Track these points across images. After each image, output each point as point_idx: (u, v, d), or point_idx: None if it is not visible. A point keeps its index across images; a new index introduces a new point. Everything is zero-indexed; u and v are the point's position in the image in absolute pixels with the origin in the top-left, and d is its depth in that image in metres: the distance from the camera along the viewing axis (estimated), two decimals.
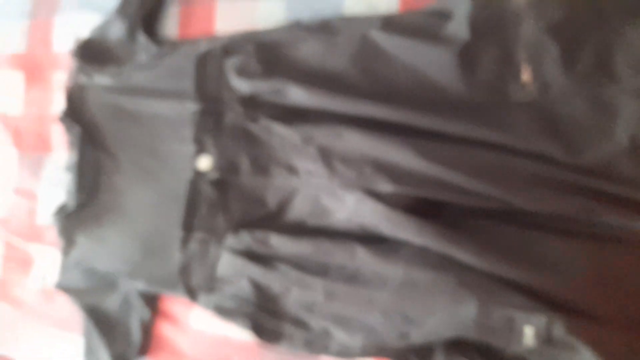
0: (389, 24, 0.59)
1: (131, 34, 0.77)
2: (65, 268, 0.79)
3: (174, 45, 0.74)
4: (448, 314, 0.52)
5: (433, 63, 0.56)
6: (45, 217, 0.84)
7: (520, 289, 0.50)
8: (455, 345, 0.56)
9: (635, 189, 0.52)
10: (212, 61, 0.67)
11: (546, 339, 0.48)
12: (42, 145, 0.88)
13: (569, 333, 0.47)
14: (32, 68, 0.90)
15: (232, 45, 0.67)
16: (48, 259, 0.85)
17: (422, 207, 0.55)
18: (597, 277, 0.52)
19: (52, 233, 0.79)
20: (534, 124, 0.54)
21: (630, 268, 0.53)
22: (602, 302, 0.51)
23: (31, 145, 0.89)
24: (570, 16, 0.53)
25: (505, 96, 0.55)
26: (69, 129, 0.78)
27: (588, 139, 0.53)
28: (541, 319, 0.48)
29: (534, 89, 0.54)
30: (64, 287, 0.78)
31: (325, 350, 0.59)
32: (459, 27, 0.55)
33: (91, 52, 0.80)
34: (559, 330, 0.48)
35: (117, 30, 0.78)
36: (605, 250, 0.53)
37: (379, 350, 0.57)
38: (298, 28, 0.65)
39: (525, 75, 0.55)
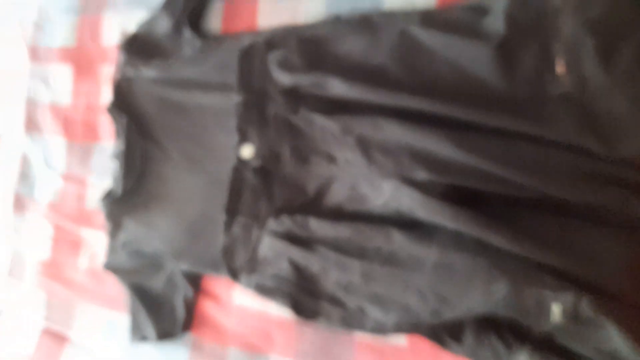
0: (428, 19, 0.62)
1: (177, 29, 0.81)
2: (112, 250, 0.84)
3: (218, 39, 0.78)
4: (481, 294, 0.54)
5: (471, 57, 0.58)
6: (94, 202, 0.89)
7: (550, 271, 0.53)
8: (485, 322, 0.59)
9: None
10: (255, 55, 0.70)
11: (573, 316, 0.51)
12: (91, 135, 0.93)
13: (595, 310, 0.49)
14: (81, 61, 0.95)
15: (274, 40, 0.70)
16: (97, 242, 0.90)
17: (458, 195, 0.58)
18: (629, 264, 0.54)
19: (101, 217, 0.85)
20: (571, 117, 0.56)
21: None
22: (632, 288, 0.53)
23: (80, 134, 0.94)
24: (609, 12, 0.54)
25: (543, 90, 0.57)
26: (116, 119, 0.83)
27: (624, 133, 0.54)
28: (568, 297, 0.51)
29: (569, 81, 0.56)
30: (111, 267, 0.83)
31: (360, 326, 0.63)
32: (496, 22, 0.57)
33: (138, 46, 0.85)
34: (585, 307, 0.50)
35: (163, 25, 0.82)
36: (638, 240, 0.55)
37: (412, 327, 0.60)
38: (338, 23, 0.68)
39: (560, 68, 0.56)
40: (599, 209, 0.55)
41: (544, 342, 0.57)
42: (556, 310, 0.52)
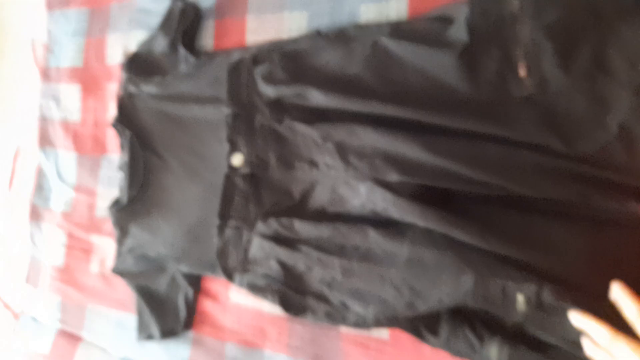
0: (397, 30, 0.66)
1: (173, 47, 0.87)
2: (119, 254, 0.90)
3: (210, 55, 0.83)
4: (450, 286, 0.58)
5: (438, 65, 0.62)
6: (103, 211, 0.96)
7: (514, 264, 0.56)
8: (460, 315, 0.62)
9: (626, 175, 0.56)
10: (243, 69, 0.75)
11: (537, 305, 0.54)
12: (99, 148, 0.99)
13: (557, 298, 0.52)
14: (88, 80, 1.02)
15: (260, 55, 0.75)
16: (106, 248, 0.96)
17: (428, 194, 0.61)
18: (591, 256, 0.56)
19: (109, 225, 0.91)
20: (533, 118, 0.59)
21: (625, 248, 0.57)
22: (593, 278, 0.55)
23: (89, 148, 1.01)
24: (565, 16, 0.58)
25: (506, 93, 0.60)
26: (120, 133, 0.89)
27: (583, 130, 0.57)
28: (531, 287, 0.54)
29: (531, 84, 0.59)
30: (119, 271, 0.89)
31: (343, 321, 0.67)
32: (459, 31, 0.61)
33: (138, 65, 0.91)
34: (547, 296, 0.53)
35: (161, 44, 0.88)
36: (601, 233, 0.57)
37: (391, 321, 0.64)
38: (317, 37, 0.72)
39: (522, 72, 0.59)
40: (560, 204, 0.58)
41: (514, 333, 0.61)
42: (520, 300, 0.55)
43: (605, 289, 0.55)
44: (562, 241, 0.57)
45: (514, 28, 0.60)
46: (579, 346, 0.54)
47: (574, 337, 0.54)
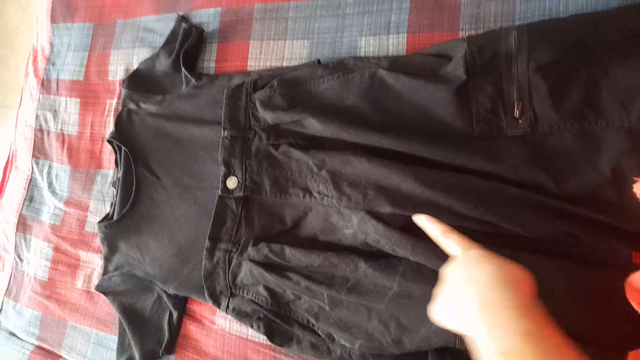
0: (395, 63, 0.67)
1: (174, 67, 0.88)
2: (106, 272, 0.88)
3: (211, 78, 0.84)
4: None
5: (434, 99, 0.62)
6: (94, 226, 0.94)
7: None
8: (446, 352, 0.61)
9: (617, 217, 0.56)
10: (242, 93, 0.76)
11: None
12: (94, 163, 0.99)
13: None
14: (88, 94, 1.02)
15: (260, 80, 0.76)
16: (94, 264, 0.94)
17: (419, 227, 0.61)
18: (575, 294, 0.56)
19: (99, 241, 0.90)
20: (524, 155, 0.59)
21: (610, 289, 0.56)
22: (577, 318, 0.55)
23: (84, 162, 1.00)
24: (558, 57, 0.58)
25: (499, 130, 0.60)
26: (116, 149, 0.89)
27: (574, 169, 0.57)
28: None
29: (525, 123, 0.59)
30: (103, 289, 0.88)
31: (328, 353, 0.65)
32: (456, 68, 0.62)
33: (139, 82, 0.91)
34: None
35: (163, 64, 0.89)
36: (585, 272, 0.57)
37: (375, 358, 0.63)
38: (317, 66, 0.73)
39: (518, 111, 0.60)
40: (548, 242, 0.58)
41: None
42: None
43: (592, 331, 0.55)
44: (548, 279, 0.57)
45: (510, 67, 0.60)
46: None
47: None
